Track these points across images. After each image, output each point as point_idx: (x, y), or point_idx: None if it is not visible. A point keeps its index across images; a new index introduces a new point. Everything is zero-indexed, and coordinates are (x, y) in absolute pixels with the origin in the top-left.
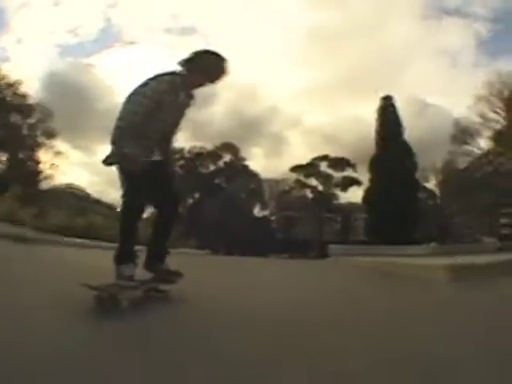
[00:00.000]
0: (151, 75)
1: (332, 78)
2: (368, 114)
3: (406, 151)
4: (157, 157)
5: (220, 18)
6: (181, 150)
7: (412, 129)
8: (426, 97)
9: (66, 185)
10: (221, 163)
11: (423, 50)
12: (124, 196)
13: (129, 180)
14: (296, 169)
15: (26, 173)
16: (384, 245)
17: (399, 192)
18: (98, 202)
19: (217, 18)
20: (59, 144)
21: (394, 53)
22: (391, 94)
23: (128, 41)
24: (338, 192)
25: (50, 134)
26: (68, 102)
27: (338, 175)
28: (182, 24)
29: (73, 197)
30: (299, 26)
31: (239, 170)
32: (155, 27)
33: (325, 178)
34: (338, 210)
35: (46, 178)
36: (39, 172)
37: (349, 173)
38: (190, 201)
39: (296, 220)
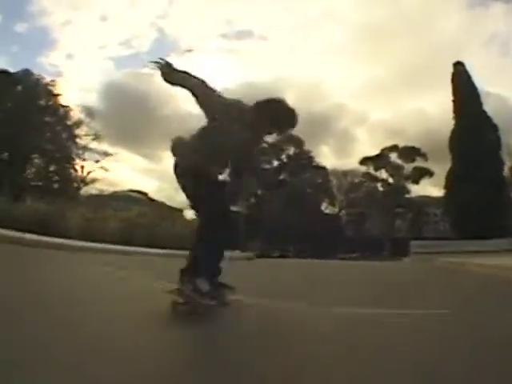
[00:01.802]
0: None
1: (390, 73)
2: (430, 107)
3: (487, 123)
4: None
5: (276, 20)
6: None
7: None
8: (484, 86)
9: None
10: (284, 157)
11: (474, 39)
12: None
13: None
14: (365, 161)
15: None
16: (469, 240)
17: (483, 175)
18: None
19: (273, 20)
20: (123, 152)
21: (446, 45)
22: (447, 86)
23: (184, 49)
24: (409, 185)
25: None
26: (128, 111)
27: (408, 166)
28: (238, 28)
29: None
30: (352, 24)
31: (304, 164)
32: (210, 33)
33: (395, 170)
34: (409, 204)
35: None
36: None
37: (419, 163)
38: (252, 200)
39: (366, 216)
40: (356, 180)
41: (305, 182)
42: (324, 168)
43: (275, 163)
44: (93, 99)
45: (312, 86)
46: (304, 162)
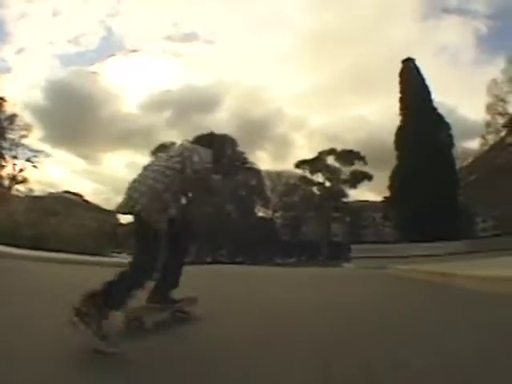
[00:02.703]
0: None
1: (334, 79)
2: (372, 114)
3: (437, 121)
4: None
5: (221, 24)
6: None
7: None
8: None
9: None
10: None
11: (423, 49)
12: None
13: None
14: (301, 164)
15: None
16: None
17: (432, 174)
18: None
19: (218, 23)
20: (63, 153)
21: (394, 53)
22: (392, 93)
23: (130, 49)
24: (346, 189)
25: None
26: (71, 110)
27: (346, 169)
28: (183, 31)
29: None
30: (299, 29)
31: (238, 165)
32: (156, 35)
33: (332, 173)
34: (347, 208)
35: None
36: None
37: (358, 167)
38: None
39: (302, 220)
40: (291, 181)
41: (238, 184)
42: (258, 170)
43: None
44: (38, 96)
45: (253, 91)
46: (237, 163)
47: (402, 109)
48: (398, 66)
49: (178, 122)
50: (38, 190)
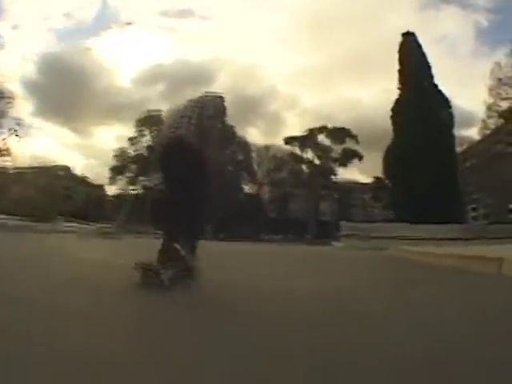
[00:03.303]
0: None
1: (329, 60)
2: (366, 97)
3: (438, 98)
4: None
5: (219, 1)
6: None
7: None
8: None
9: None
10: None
11: (421, 38)
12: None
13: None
14: (290, 140)
15: None
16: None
17: (433, 153)
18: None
19: (215, 0)
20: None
21: (392, 39)
22: (388, 78)
23: (125, 22)
24: (336, 167)
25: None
26: (64, 84)
27: (337, 148)
28: (179, 6)
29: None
30: (297, 8)
31: (228, 137)
32: (152, 9)
33: (322, 151)
34: (336, 187)
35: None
36: None
37: (349, 145)
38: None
39: (289, 197)
40: (279, 155)
41: (227, 159)
42: (246, 143)
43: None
44: (31, 70)
45: (247, 68)
46: (227, 134)
47: (400, 82)
48: (395, 52)
49: (170, 96)
50: (27, 163)
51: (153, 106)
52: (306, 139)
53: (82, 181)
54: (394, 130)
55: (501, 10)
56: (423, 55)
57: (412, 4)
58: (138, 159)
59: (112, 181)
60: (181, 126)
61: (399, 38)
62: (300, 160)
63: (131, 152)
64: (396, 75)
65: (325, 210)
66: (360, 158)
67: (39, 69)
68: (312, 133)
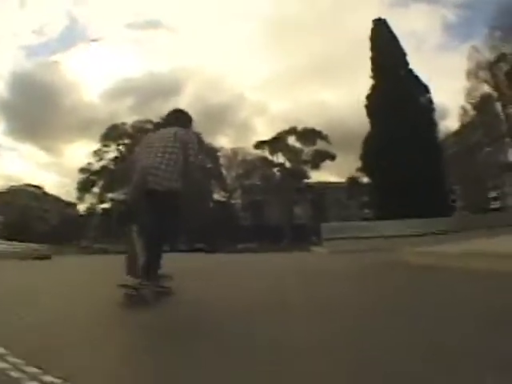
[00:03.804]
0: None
1: (295, 66)
2: (333, 101)
3: (414, 84)
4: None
5: (184, 11)
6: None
7: None
8: None
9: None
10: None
11: None
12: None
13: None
14: (260, 145)
15: None
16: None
17: (414, 141)
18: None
19: (181, 11)
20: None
21: (356, 40)
22: (354, 79)
23: (91, 38)
24: (308, 170)
25: None
26: (33, 102)
27: (308, 150)
28: (146, 18)
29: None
30: (263, 15)
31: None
32: (118, 22)
33: (293, 154)
34: (309, 189)
35: None
36: None
37: (321, 146)
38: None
39: (262, 203)
40: (248, 158)
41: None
42: (214, 149)
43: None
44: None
45: (214, 77)
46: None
47: (374, 70)
48: (362, 53)
49: (139, 110)
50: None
51: (122, 120)
52: (276, 142)
53: (55, 199)
54: (370, 120)
55: (468, 5)
56: (396, 41)
57: (380, 3)
58: (103, 173)
59: (81, 198)
60: (156, 166)
61: (366, 40)
62: (271, 164)
63: (96, 166)
64: (363, 75)
65: (299, 214)
66: (332, 158)
67: (8, 86)
68: (282, 136)
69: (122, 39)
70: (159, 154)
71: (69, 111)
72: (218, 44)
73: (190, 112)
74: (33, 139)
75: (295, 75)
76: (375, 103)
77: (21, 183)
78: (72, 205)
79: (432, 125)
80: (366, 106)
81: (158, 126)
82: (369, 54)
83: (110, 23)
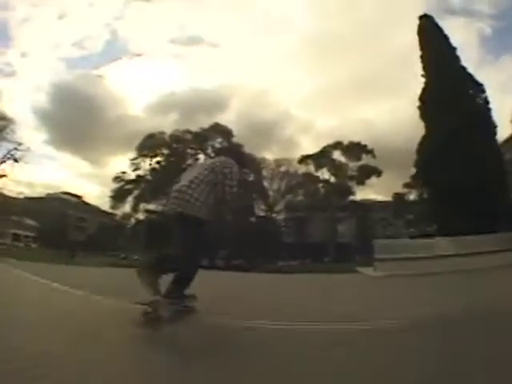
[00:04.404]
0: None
1: (338, 82)
2: (377, 117)
3: (470, 81)
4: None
5: (227, 27)
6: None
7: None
8: None
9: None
10: (209, 150)
11: None
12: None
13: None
14: (305, 160)
15: None
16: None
17: (472, 147)
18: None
19: (224, 26)
20: (68, 156)
21: (399, 55)
22: (397, 96)
23: (135, 52)
24: (353, 186)
25: None
26: (76, 113)
27: (353, 165)
28: (188, 34)
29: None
30: (304, 31)
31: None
32: (161, 38)
33: (338, 169)
34: (354, 207)
35: None
36: None
37: (366, 161)
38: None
39: (306, 221)
40: (291, 170)
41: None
42: (257, 161)
43: (200, 157)
44: (43, 99)
45: (258, 93)
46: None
47: (425, 69)
48: (403, 69)
49: (183, 124)
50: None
51: (166, 135)
52: (321, 157)
53: (96, 210)
54: (425, 122)
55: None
56: (446, 37)
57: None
58: (139, 182)
59: (114, 207)
60: (183, 190)
61: (404, 53)
62: (316, 180)
63: (132, 175)
64: (406, 90)
65: (343, 232)
66: (379, 174)
67: (50, 98)
68: (327, 150)
69: (165, 54)
70: (189, 180)
71: (112, 124)
72: (260, 60)
73: (235, 128)
74: (75, 150)
75: (338, 91)
76: (428, 104)
77: (58, 191)
78: (111, 215)
79: (492, 129)
80: (419, 108)
81: (196, 136)
82: (412, 67)
83: (152, 38)
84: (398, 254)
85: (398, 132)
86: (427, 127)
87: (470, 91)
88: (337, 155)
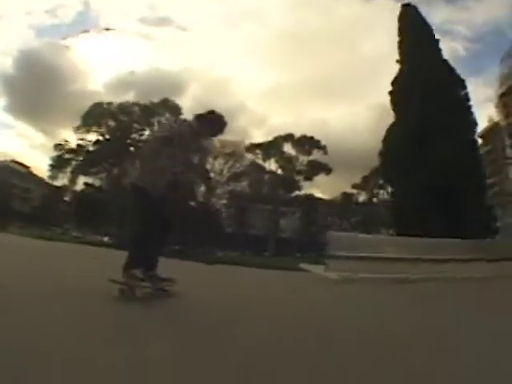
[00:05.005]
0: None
1: (300, 80)
2: (334, 119)
3: (451, 75)
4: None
5: (196, 12)
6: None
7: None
8: None
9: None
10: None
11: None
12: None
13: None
14: (253, 148)
15: None
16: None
17: (448, 140)
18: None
19: (193, 11)
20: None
21: (368, 62)
22: (362, 99)
23: (104, 27)
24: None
25: None
26: (38, 83)
27: (303, 159)
28: (158, 15)
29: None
30: (278, 26)
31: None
32: (131, 16)
33: (286, 161)
34: (300, 202)
35: None
36: None
37: (317, 156)
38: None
39: (249, 211)
40: (239, 169)
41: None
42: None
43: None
44: (8, 64)
45: (218, 81)
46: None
47: (402, 54)
48: (367, 75)
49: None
50: None
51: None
52: (270, 147)
53: (42, 182)
54: (395, 109)
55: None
56: (428, 26)
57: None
58: (79, 152)
59: (52, 177)
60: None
61: (372, 64)
62: (262, 169)
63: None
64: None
65: (285, 227)
66: (328, 171)
67: (15, 63)
68: (277, 141)
69: (133, 32)
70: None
71: (72, 97)
72: (226, 48)
73: (188, 112)
74: (32, 120)
75: (299, 89)
76: (402, 90)
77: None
78: (58, 188)
79: (473, 123)
80: (390, 93)
81: (144, 109)
82: (377, 76)
83: (123, 15)
84: (359, 251)
85: (353, 135)
86: (398, 117)
87: (450, 82)
88: (287, 148)
